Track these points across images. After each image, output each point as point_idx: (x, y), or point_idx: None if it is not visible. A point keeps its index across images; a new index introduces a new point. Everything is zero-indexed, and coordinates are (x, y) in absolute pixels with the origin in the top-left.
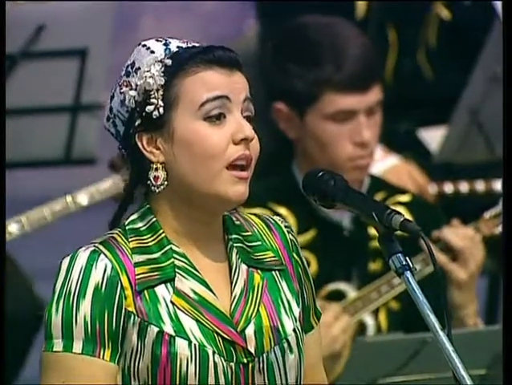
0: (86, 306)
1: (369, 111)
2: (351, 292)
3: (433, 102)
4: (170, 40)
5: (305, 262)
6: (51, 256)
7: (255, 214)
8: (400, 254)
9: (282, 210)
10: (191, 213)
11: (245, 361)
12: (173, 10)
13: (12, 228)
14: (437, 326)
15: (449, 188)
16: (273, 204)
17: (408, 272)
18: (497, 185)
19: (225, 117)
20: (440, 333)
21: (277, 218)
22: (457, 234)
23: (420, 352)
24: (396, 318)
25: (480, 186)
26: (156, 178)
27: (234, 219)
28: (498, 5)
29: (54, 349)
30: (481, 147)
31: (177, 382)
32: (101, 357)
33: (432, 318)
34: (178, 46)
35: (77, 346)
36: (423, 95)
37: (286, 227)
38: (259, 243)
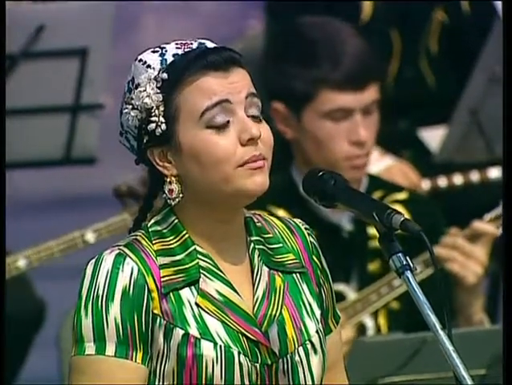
0: (115, 309)
1: (366, 111)
2: (351, 293)
3: (434, 104)
4: (166, 48)
5: (325, 265)
6: None
7: (276, 216)
8: (400, 254)
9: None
10: (212, 213)
11: (269, 362)
12: (174, 10)
13: (21, 263)
14: (438, 325)
15: (442, 181)
16: (271, 206)
17: (409, 271)
18: (493, 173)
19: (228, 121)
20: (441, 332)
21: (297, 221)
22: (441, 244)
23: (420, 352)
24: (396, 318)
25: (474, 176)
26: (170, 191)
27: (256, 220)
28: (498, 5)
29: (87, 352)
30: (481, 147)
31: (203, 384)
32: (133, 359)
33: (433, 318)
34: (174, 55)
35: (110, 349)
36: (424, 98)
37: (306, 229)
38: (280, 245)
